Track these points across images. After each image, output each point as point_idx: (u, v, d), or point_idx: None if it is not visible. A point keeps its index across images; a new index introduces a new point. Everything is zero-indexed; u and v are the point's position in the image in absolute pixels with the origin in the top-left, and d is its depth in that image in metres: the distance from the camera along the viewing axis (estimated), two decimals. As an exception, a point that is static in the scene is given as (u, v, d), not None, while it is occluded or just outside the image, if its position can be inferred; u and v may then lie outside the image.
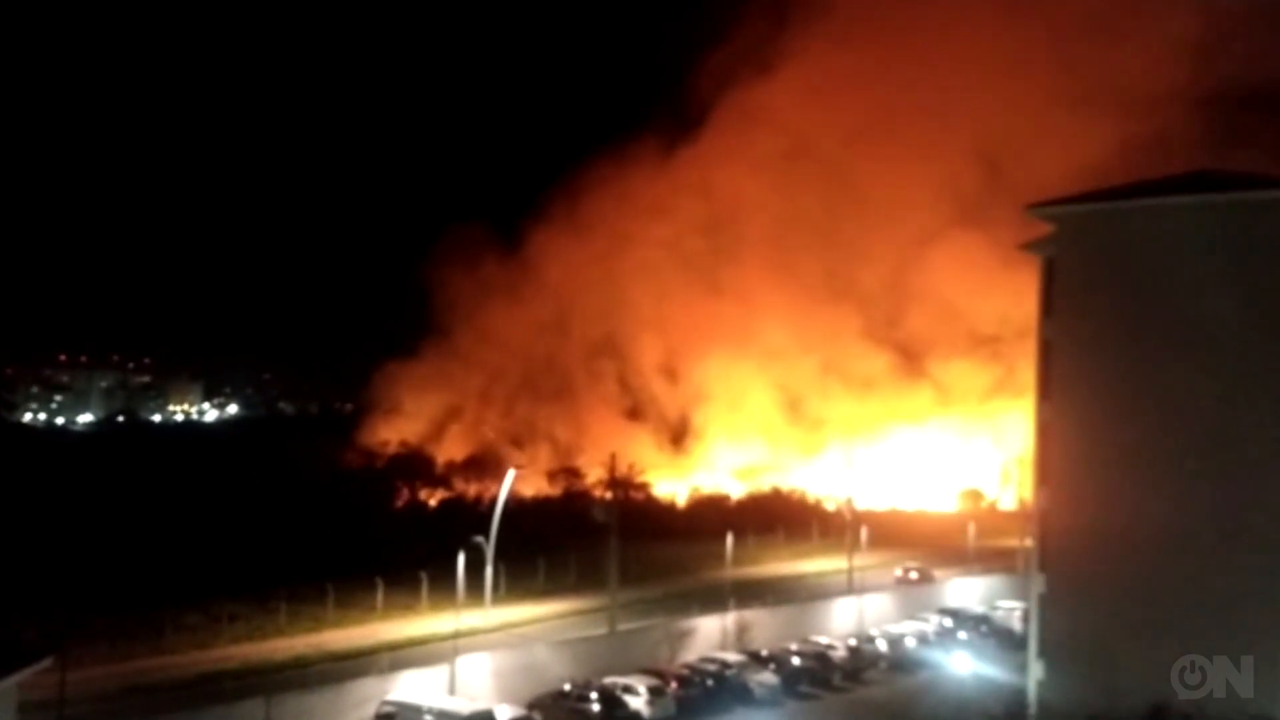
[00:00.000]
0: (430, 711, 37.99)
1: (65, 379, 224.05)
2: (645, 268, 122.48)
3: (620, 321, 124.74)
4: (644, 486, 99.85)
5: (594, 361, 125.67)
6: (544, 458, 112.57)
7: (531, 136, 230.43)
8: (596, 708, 41.83)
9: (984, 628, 58.91)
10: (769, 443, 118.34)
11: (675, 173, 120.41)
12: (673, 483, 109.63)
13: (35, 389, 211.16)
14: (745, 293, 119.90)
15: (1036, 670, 35.67)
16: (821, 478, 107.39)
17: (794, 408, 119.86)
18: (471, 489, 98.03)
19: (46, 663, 28.95)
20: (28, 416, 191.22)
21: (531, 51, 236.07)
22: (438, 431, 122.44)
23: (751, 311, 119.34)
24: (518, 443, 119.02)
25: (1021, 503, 77.05)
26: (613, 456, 64.52)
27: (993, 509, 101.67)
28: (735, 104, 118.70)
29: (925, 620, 58.80)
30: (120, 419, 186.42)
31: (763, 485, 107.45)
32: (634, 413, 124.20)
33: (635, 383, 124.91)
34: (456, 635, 44.79)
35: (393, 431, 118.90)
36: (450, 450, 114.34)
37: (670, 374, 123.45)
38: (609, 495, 64.15)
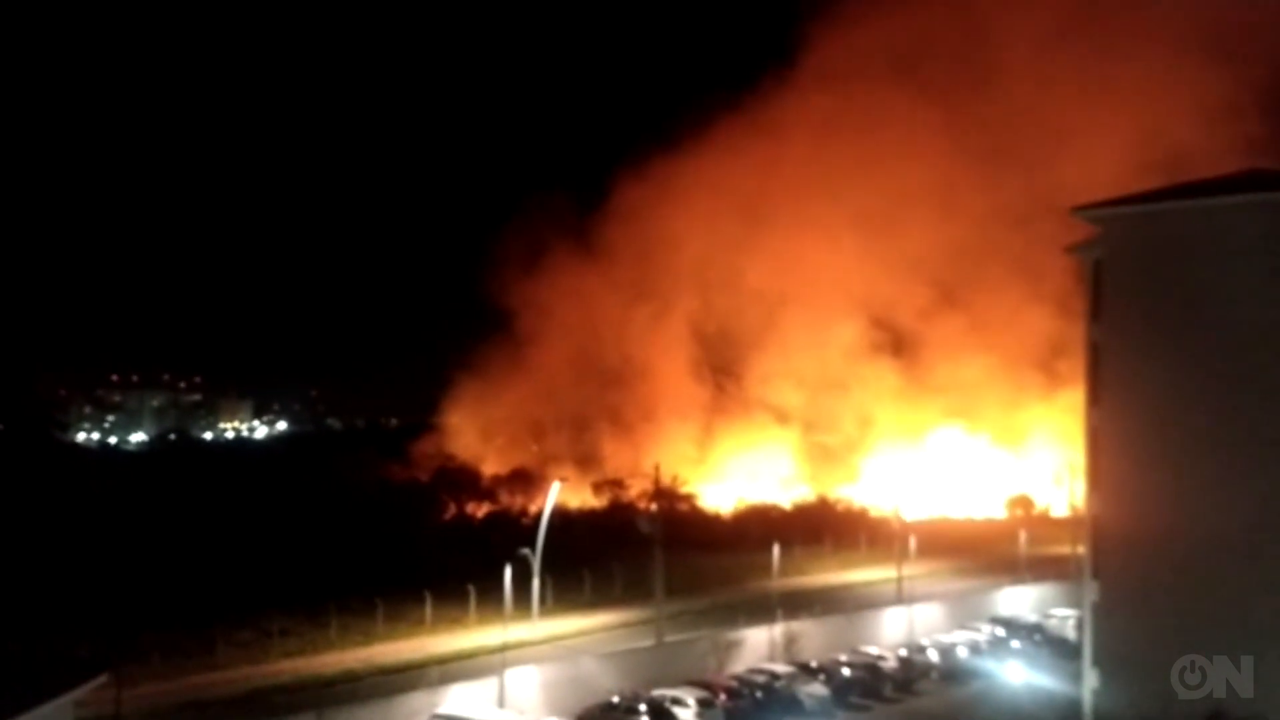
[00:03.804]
0: (480, 724, 38.07)
1: (117, 399, 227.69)
2: (719, 239, 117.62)
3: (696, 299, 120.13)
4: (689, 497, 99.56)
5: (670, 343, 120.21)
6: (604, 465, 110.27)
7: (586, 124, 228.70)
8: (645, 719, 41.73)
9: (1037, 636, 58.20)
10: (875, 419, 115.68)
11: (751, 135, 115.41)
12: (747, 479, 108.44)
13: (88, 409, 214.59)
14: (839, 257, 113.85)
15: (1091, 679, 35.20)
16: (870, 487, 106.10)
17: (906, 369, 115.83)
18: (517, 502, 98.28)
19: (101, 679, 29.31)
20: (81, 436, 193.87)
21: (563, 43, 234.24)
22: (492, 442, 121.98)
23: (849, 275, 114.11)
24: (570, 456, 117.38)
25: (1073, 509, 75.95)
26: (656, 467, 64.33)
27: (1044, 516, 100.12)
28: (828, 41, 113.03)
29: (977, 629, 58.16)
30: (172, 437, 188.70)
31: (835, 492, 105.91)
32: (715, 394, 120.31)
33: (713, 361, 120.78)
34: (505, 648, 44.97)
35: (447, 444, 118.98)
36: (506, 462, 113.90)
37: (753, 346, 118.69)
38: (654, 506, 64.03)
